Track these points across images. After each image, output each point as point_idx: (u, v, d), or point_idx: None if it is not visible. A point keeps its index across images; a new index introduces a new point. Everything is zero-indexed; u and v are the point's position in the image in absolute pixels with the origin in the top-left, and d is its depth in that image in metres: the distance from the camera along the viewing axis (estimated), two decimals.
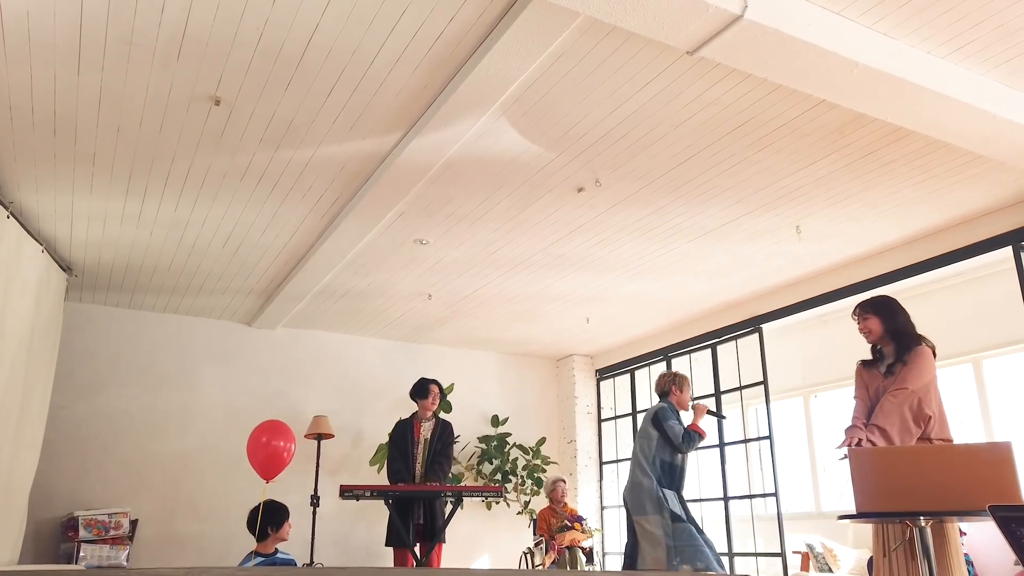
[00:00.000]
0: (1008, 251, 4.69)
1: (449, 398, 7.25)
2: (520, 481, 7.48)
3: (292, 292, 6.11)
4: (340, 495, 4.79)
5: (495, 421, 7.74)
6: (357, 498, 4.80)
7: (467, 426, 7.55)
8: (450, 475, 5.64)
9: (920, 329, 3.41)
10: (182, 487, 6.41)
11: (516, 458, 7.60)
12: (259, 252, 5.45)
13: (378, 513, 6.65)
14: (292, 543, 6.02)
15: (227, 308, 6.67)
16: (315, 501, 6.22)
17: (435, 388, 5.41)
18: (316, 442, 6.60)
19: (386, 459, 5.66)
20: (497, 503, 7.35)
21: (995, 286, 5.19)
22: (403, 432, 5.43)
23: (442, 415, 6.37)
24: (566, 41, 3.10)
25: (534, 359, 8.40)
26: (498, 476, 7.40)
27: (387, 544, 5.17)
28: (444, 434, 5.45)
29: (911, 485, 2.58)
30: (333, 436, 6.66)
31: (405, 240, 5.22)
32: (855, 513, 2.71)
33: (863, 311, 3.47)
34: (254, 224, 4.96)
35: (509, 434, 7.67)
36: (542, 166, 4.19)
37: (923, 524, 2.66)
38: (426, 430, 5.45)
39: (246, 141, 3.89)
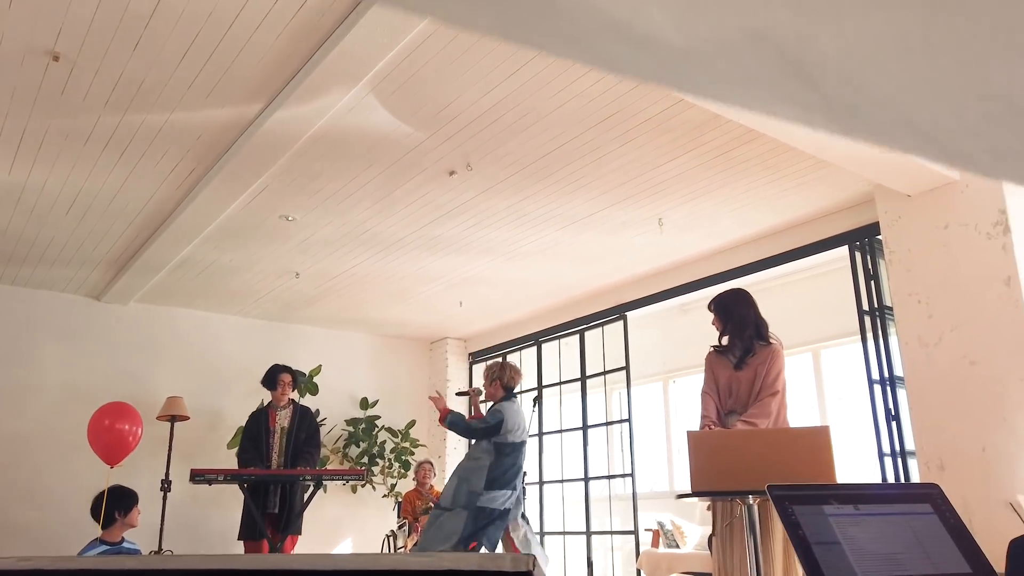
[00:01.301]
0: (845, 250, 5.09)
1: (316, 380, 7.09)
2: (388, 464, 7.43)
3: (146, 264, 5.76)
4: (191, 479, 4.59)
5: (364, 404, 7.64)
6: (209, 482, 4.62)
7: (335, 408, 7.41)
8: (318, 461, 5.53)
9: (768, 320, 3.62)
10: (17, 471, 5.93)
11: (384, 441, 7.54)
12: (108, 220, 5.09)
13: (233, 499, 6.42)
14: (140, 530, 5.71)
15: (73, 280, 6.21)
16: (166, 486, 5.92)
17: (285, 378, 5.24)
18: (169, 424, 6.28)
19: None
20: (363, 486, 7.27)
21: (833, 282, 5.61)
22: (257, 423, 5.26)
23: (306, 398, 6.22)
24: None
25: (408, 341, 8.34)
26: (365, 459, 7.32)
27: (239, 538, 5.01)
28: (305, 422, 5.32)
29: (739, 466, 2.76)
30: (188, 418, 6.36)
31: (270, 215, 5.03)
32: (690, 492, 2.87)
33: (711, 307, 3.67)
34: (102, 191, 4.62)
35: (378, 417, 7.60)
36: (413, 146, 4.14)
37: (751, 502, 2.85)
38: (283, 418, 5.30)
39: (90, 102, 3.61)
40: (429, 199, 4.83)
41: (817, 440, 2.84)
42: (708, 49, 0.28)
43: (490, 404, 5.03)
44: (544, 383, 7.44)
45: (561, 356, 7.33)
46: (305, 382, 6.97)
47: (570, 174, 4.52)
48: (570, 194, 4.81)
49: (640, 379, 7.43)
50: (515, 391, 5.11)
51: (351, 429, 7.44)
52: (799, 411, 6.30)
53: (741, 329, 3.50)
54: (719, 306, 3.62)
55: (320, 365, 7.19)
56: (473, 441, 5.01)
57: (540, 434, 7.37)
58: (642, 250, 5.86)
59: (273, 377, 5.32)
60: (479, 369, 8.27)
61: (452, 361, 8.29)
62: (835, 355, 6.21)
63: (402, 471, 7.42)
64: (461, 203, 4.92)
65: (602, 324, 6.92)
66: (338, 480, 5.05)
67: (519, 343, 7.82)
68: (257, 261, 5.88)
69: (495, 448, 4.77)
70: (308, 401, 6.67)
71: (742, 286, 6.02)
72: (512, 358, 7.94)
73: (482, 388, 5.17)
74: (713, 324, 3.65)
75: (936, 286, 4.21)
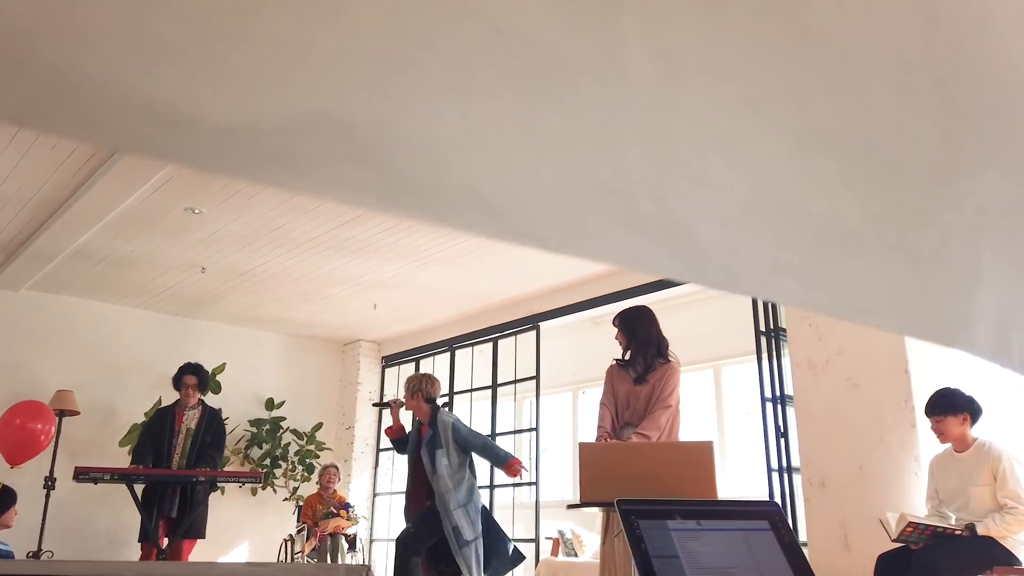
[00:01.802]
0: None
1: (220, 378, 6.87)
2: (291, 467, 7.27)
3: (40, 251, 5.47)
4: (74, 477, 4.39)
5: (270, 404, 7.46)
6: (95, 481, 4.42)
7: (238, 409, 7.20)
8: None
9: (671, 337, 3.74)
10: None
11: (289, 443, 7.38)
12: None
13: (124, 499, 6.15)
14: (18, 531, 5.40)
15: None
16: (50, 483, 5.63)
17: (190, 380, 5.06)
18: (57, 419, 5.97)
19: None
20: (263, 489, 7.09)
21: (735, 303, 5.83)
22: (162, 420, 5.07)
23: (208, 396, 6.03)
24: None
25: (320, 342, 8.19)
26: (267, 461, 7.14)
27: (139, 540, 4.81)
28: (213, 424, 5.17)
29: (626, 478, 2.84)
30: (79, 413, 6.06)
31: (174, 207, 4.87)
32: (579, 502, 2.94)
33: (616, 322, 3.76)
34: None
35: (284, 418, 7.43)
36: None
37: None
38: (190, 419, 5.13)
39: None
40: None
41: (700, 454, 2.94)
42: (265, 128, 0.30)
43: (410, 416, 4.82)
44: (455, 390, 7.44)
45: (474, 363, 7.35)
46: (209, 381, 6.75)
47: None
48: None
49: (550, 389, 7.52)
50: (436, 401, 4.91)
51: (254, 430, 7.24)
52: (700, 425, 6.51)
53: (645, 346, 3.61)
54: (624, 322, 3.72)
55: (224, 363, 6.98)
56: (441, 461, 4.34)
57: (473, 439, 7.35)
58: (555, 262, 5.95)
59: (178, 380, 5.14)
60: (392, 373, 8.21)
61: (365, 364, 8.19)
62: (735, 373, 6.44)
63: (306, 474, 7.27)
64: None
65: (515, 333, 6.98)
66: (234, 482, 4.91)
67: (433, 348, 7.79)
68: (161, 253, 5.67)
69: (470, 464, 4.42)
70: (210, 400, 6.46)
71: (652, 302, 6.19)
72: (425, 364, 7.91)
73: (403, 400, 4.86)
74: (616, 339, 3.74)
75: None
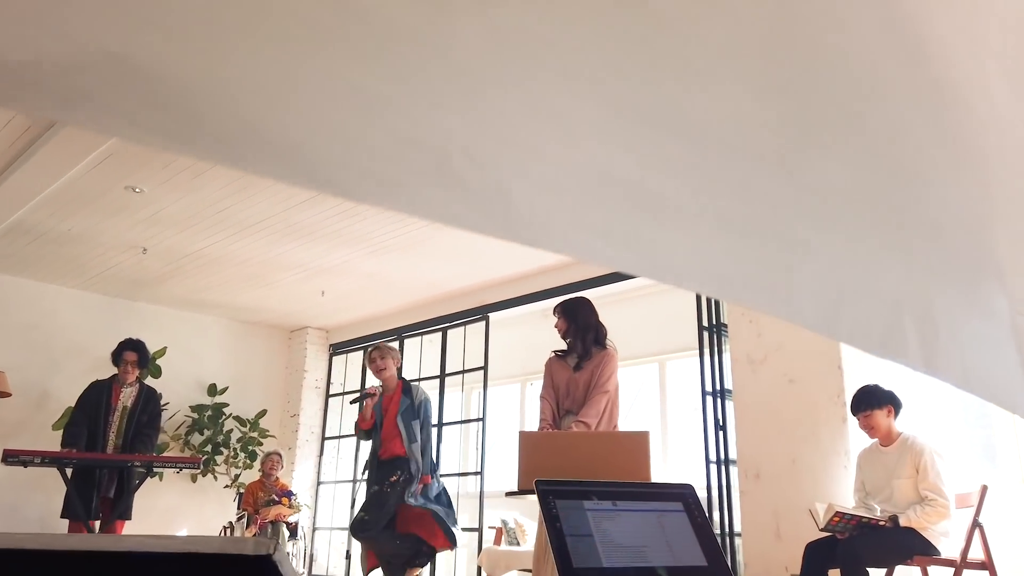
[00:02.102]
0: None
1: (160, 362, 6.73)
2: (233, 454, 7.16)
3: None
4: (2, 460, 4.25)
5: (212, 390, 7.32)
6: (24, 464, 4.30)
7: (179, 393, 7.05)
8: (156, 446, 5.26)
9: (618, 330, 3.83)
10: None
11: (231, 430, 7.26)
12: None
13: (58, 482, 5.98)
14: None
15: None
16: None
17: (130, 356, 4.96)
18: None
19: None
20: (204, 476, 6.97)
21: (680, 298, 5.92)
22: (98, 395, 4.94)
23: (147, 380, 5.90)
24: None
25: (266, 328, 8.07)
26: (208, 448, 7.02)
27: (62, 515, 4.69)
28: (150, 404, 5.06)
29: (564, 466, 2.88)
30: (10, 395, 5.87)
31: (115, 185, 4.74)
32: (517, 490, 2.97)
33: (556, 311, 3.83)
34: None
35: (226, 404, 7.30)
36: None
37: None
38: (126, 397, 5.01)
39: None
40: (288, 184, 4.70)
41: (637, 443, 3.00)
42: (50, 64, 0.30)
43: (382, 386, 4.91)
44: (404, 378, 7.41)
45: (423, 353, 7.33)
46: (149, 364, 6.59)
47: None
48: None
49: (499, 380, 7.54)
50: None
51: (195, 416, 7.11)
52: (644, 418, 6.61)
53: (584, 333, 3.68)
54: (565, 311, 3.79)
55: (165, 347, 6.82)
56: (417, 430, 4.75)
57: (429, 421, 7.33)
58: (506, 253, 5.96)
59: (118, 354, 5.02)
60: (339, 361, 8.13)
61: (312, 352, 8.10)
62: (679, 367, 6.55)
63: (248, 462, 7.17)
64: (317, 192, 4.82)
65: (465, 323, 6.98)
66: (171, 468, 4.82)
67: (382, 337, 7.74)
68: (100, 232, 5.51)
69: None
70: (150, 384, 6.31)
71: (600, 295, 6.26)
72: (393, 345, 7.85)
73: (378, 388, 4.98)
74: (556, 327, 3.80)
75: None
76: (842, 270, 0.49)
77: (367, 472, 4.71)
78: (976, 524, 3.44)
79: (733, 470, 4.66)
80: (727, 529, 4.68)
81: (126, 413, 4.89)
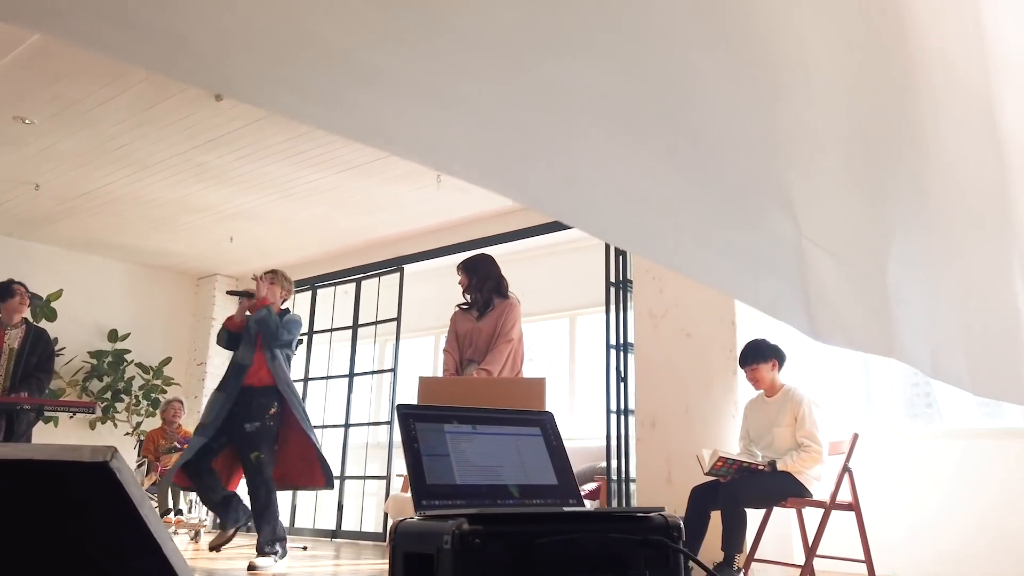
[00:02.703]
0: None
1: (55, 305, 6.44)
2: (135, 401, 6.97)
3: None
4: None
5: (113, 336, 7.08)
6: None
7: (76, 338, 6.78)
8: (48, 391, 5.06)
9: (531, 286, 3.93)
10: None
11: (133, 377, 7.05)
12: None
13: None
14: None
15: None
16: None
17: (20, 289, 4.74)
18: None
19: None
20: (103, 423, 6.77)
21: (592, 255, 6.05)
22: None
23: (42, 324, 5.66)
24: None
25: (172, 274, 7.81)
26: (108, 395, 6.81)
27: None
28: (39, 345, 4.85)
29: None
30: None
31: (2, 115, 4.46)
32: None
33: (459, 268, 3.91)
34: None
35: (128, 351, 7.08)
36: None
37: None
38: (12, 338, 4.78)
39: None
40: (194, 122, 4.54)
41: (533, 389, 3.09)
42: None
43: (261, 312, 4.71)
44: (315, 329, 7.34)
45: (335, 303, 7.26)
46: (41, 306, 6.31)
47: None
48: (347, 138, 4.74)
49: (413, 332, 7.56)
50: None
51: (94, 362, 6.86)
52: (555, 372, 6.77)
53: (483, 283, 3.75)
54: (467, 267, 3.89)
55: (61, 290, 6.53)
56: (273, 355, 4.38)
57: (305, 380, 7.28)
58: (421, 205, 5.94)
59: (7, 289, 4.77)
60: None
61: (221, 299, 7.89)
62: (589, 322, 6.72)
63: (151, 409, 7.00)
64: (230, 131, 4.67)
65: (379, 275, 6.94)
66: (64, 412, 4.66)
67: (294, 286, 7.61)
68: None
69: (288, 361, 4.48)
70: (45, 328, 6.05)
71: (514, 251, 6.33)
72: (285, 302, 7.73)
73: (255, 292, 4.71)
74: (460, 284, 3.89)
75: None
76: (597, 171, 0.53)
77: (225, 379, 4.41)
78: (846, 469, 3.70)
79: (632, 420, 4.85)
80: (623, 475, 4.89)
81: (13, 355, 4.68)
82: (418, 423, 1.24)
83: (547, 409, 3.12)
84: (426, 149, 0.46)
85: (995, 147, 1.28)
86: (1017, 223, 1.29)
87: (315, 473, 4.26)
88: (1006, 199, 1.28)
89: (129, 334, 7.16)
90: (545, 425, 1.35)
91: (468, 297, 3.87)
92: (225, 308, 7.90)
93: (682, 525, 1.10)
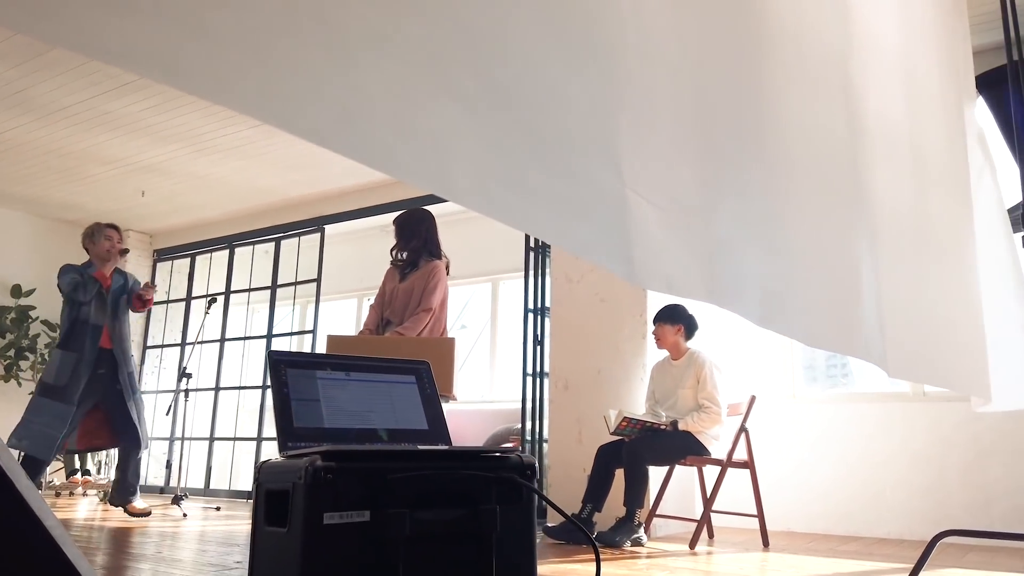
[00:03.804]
0: None
1: None
2: (40, 360, 6.70)
3: None
4: None
5: (16, 292, 6.76)
6: None
7: None
8: None
9: (454, 251, 3.86)
10: None
11: (39, 334, 6.77)
12: None
13: None
14: None
15: None
16: None
17: None
18: None
19: None
20: (6, 381, 6.50)
21: None
22: None
23: None
24: None
25: (81, 228, 7.45)
26: (11, 352, 6.53)
27: None
28: None
29: None
30: None
31: None
32: None
33: (395, 222, 3.83)
34: None
35: (33, 308, 6.78)
36: None
37: None
38: None
39: None
40: (98, 66, 4.34)
41: (442, 349, 3.12)
42: None
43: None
44: (232, 289, 7.19)
45: (254, 263, 7.11)
46: None
47: None
48: None
49: (334, 294, 7.49)
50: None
51: None
52: (477, 336, 6.83)
53: (408, 242, 3.69)
54: (398, 221, 3.80)
55: None
56: (127, 310, 4.69)
57: (222, 340, 7.14)
58: (343, 163, 5.83)
59: None
60: (164, 268, 7.73)
61: (134, 257, 7.62)
62: (511, 287, 6.79)
63: None
64: (139, 77, 4.48)
65: (299, 235, 6.82)
66: None
67: (211, 245, 7.42)
68: None
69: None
70: None
71: (437, 214, 6.31)
72: (202, 260, 7.53)
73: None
74: (396, 238, 3.81)
75: None
76: (389, 109, 0.55)
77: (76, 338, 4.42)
78: (743, 429, 3.90)
79: (547, 382, 4.96)
80: (537, 436, 5.01)
81: None
82: (289, 369, 1.26)
83: (458, 369, 3.17)
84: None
85: (849, 119, 1.36)
86: (866, 189, 1.38)
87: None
88: (856, 166, 1.37)
89: (34, 290, 6.85)
90: (421, 374, 1.39)
91: (402, 254, 3.78)
92: (139, 265, 7.65)
93: (536, 465, 1.16)
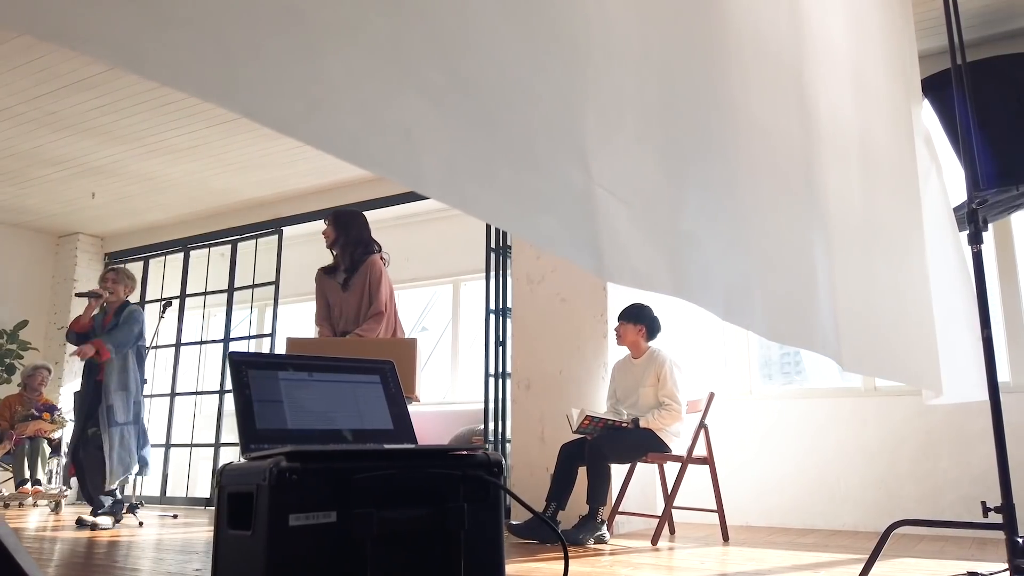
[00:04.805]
0: None
1: None
2: None
3: None
4: None
5: None
6: None
7: None
8: None
9: (415, 252, 3.80)
10: None
11: None
12: None
13: None
14: None
15: None
16: None
17: None
18: None
19: None
20: None
21: (472, 221, 6.10)
22: None
23: None
24: None
25: (28, 232, 7.26)
26: None
27: None
28: None
29: None
30: None
31: None
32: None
33: (327, 219, 3.76)
34: None
35: None
36: None
37: None
38: None
39: None
40: (44, 64, 4.21)
41: (404, 350, 3.11)
42: None
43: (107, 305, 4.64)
44: (188, 292, 7.04)
45: (210, 266, 6.98)
46: None
47: None
48: None
49: (294, 297, 7.38)
50: None
51: None
52: (438, 338, 6.81)
53: (353, 246, 3.63)
54: (337, 220, 3.72)
55: None
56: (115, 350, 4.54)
57: (177, 344, 6.99)
58: (300, 164, 5.77)
59: None
60: None
61: (84, 260, 7.43)
62: (472, 288, 6.78)
63: (5, 375, 6.54)
64: (88, 76, 4.37)
65: (256, 236, 6.72)
66: None
67: (165, 247, 7.27)
68: None
69: (137, 356, 4.60)
70: None
71: (397, 215, 6.28)
72: (156, 263, 7.36)
73: (103, 292, 4.70)
74: (324, 235, 3.73)
75: None
76: (354, 99, 0.55)
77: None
78: (702, 426, 3.95)
79: (509, 382, 4.97)
80: (499, 436, 5.01)
81: None
82: (251, 370, 1.24)
83: (420, 370, 3.16)
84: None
85: (803, 117, 1.39)
86: (819, 188, 1.42)
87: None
88: (810, 165, 1.40)
89: None
90: (385, 373, 1.38)
91: (334, 253, 3.71)
92: (89, 268, 7.46)
93: (504, 462, 1.16)
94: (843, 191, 1.62)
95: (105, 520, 4.35)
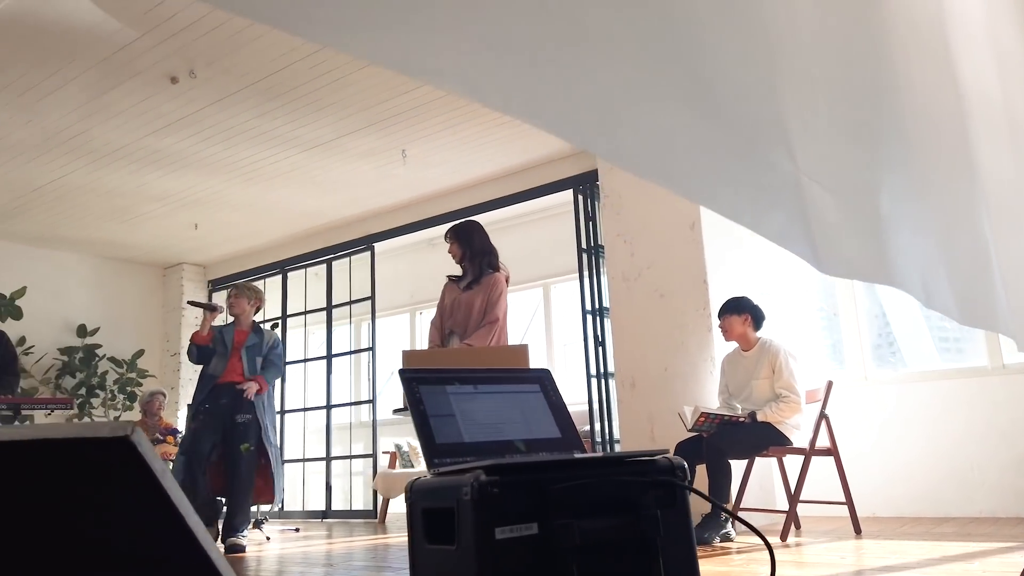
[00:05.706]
0: (570, 193, 5.53)
1: (20, 303, 6.30)
2: (110, 396, 6.87)
3: None
4: None
5: (82, 331, 6.95)
6: None
7: (45, 336, 6.66)
8: (20, 391, 4.97)
9: (503, 257, 3.84)
10: None
11: (107, 371, 6.95)
12: None
13: None
14: None
15: None
16: None
17: None
18: None
19: None
20: (80, 419, 6.66)
21: (562, 223, 6.08)
22: None
23: (7, 323, 5.54)
24: None
25: (137, 266, 7.67)
26: (83, 391, 6.70)
27: None
28: None
29: None
30: None
31: None
32: (403, 407, 3.03)
33: (448, 236, 3.82)
34: None
35: (99, 346, 6.96)
36: (123, 44, 3.75)
37: None
38: None
39: None
40: (149, 106, 4.43)
41: (516, 356, 3.11)
42: None
43: (232, 324, 4.84)
44: (289, 312, 7.29)
45: (307, 285, 7.20)
46: (5, 305, 6.17)
47: (306, 94, 4.39)
48: (309, 116, 4.67)
49: (387, 310, 7.54)
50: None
51: (66, 358, 6.74)
52: (533, 341, 6.82)
53: (480, 258, 3.68)
54: (458, 234, 3.77)
55: (24, 287, 6.39)
56: (259, 364, 4.73)
57: (283, 364, 7.22)
58: (388, 181, 5.89)
59: None
60: (220, 297, 7.86)
61: (189, 288, 7.79)
62: (563, 290, 6.77)
63: (127, 403, 6.91)
64: (188, 114, 4.57)
65: (350, 254, 6.89)
66: (40, 409, 4.59)
67: (264, 271, 7.54)
68: None
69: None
70: (11, 327, 5.91)
71: (484, 222, 6.32)
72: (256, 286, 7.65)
73: (223, 306, 4.93)
74: (450, 252, 3.80)
75: (638, 228, 4.74)
76: (625, 109, 0.55)
77: (197, 393, 4.71)
78: (823, 416, 3.82)
79: (612, 382, 4.93)
80: (607, 436, 4.98)
81: None
82: (421, 385, 1.26)
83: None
84: (473, 85, 0.48)
85: (955, 94, 1.33)
86: (977, 161, 1.35)
87: (268, 489, 4.55)
88: (967, 139, 1.33)
89: (99, 328, 7.04)
90: (544, 382, 1.38)
91: (463, 267, 3.78)
92: (195, 296, 7.80)
93: (686, 466, 1.14)
94: (996, 167, 1.54)
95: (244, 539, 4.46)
